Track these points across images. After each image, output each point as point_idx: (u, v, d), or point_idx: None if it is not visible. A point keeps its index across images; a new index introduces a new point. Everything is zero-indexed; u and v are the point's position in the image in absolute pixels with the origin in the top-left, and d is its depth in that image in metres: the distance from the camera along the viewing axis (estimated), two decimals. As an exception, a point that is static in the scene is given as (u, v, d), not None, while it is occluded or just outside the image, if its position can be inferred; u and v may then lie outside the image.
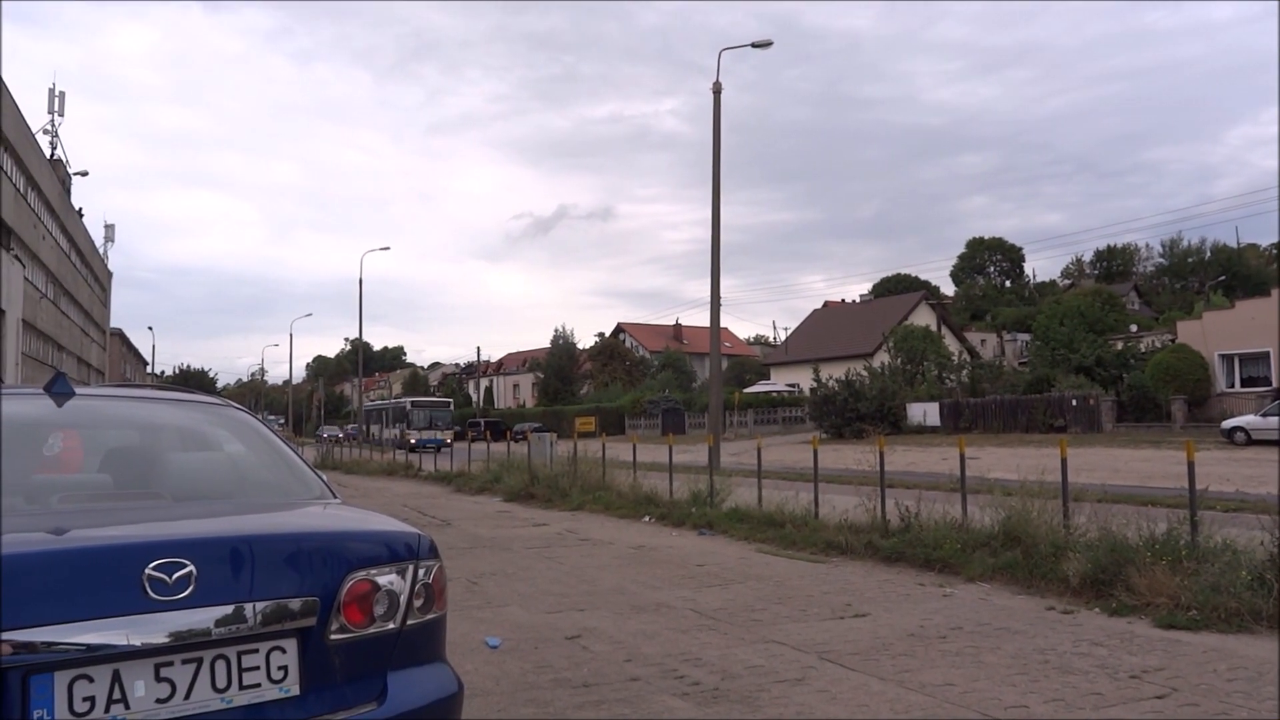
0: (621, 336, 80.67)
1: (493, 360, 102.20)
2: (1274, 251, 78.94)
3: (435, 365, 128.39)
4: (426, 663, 3.02)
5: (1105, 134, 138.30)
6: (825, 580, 8.85)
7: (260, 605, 2.58)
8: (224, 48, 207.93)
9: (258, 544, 2.72)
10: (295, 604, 2.65)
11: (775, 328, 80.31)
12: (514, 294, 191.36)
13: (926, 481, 16.02)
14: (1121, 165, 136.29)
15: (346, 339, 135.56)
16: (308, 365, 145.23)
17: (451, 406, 60.86)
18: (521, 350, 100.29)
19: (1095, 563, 7.66)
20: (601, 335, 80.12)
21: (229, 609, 2.52)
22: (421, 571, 3.00)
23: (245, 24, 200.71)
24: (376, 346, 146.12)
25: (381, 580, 2.87)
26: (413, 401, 57.55)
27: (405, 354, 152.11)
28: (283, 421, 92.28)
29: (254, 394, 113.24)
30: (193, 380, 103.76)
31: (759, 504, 12.94)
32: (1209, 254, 75.49)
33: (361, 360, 65.30)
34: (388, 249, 56.35)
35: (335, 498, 3.63)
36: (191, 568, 2.49)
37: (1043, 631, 6.61)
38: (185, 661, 2.47)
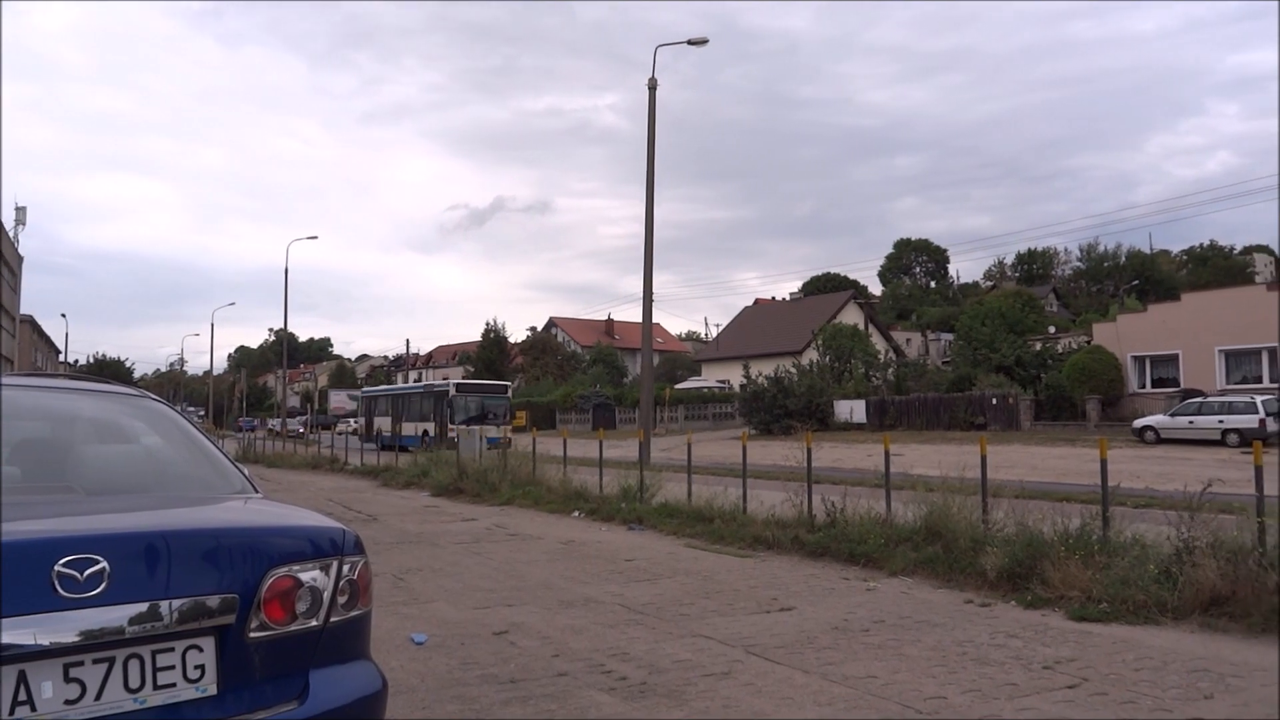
0: (554, 331, 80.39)
1: (422, 353, 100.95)
2: (1184, 258, 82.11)
3: (363, 357, 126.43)
4: (350, 660, 2.97)
5: (1032, 140, 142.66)
6: (752, 575, 8.95)
7: (177, 603, 2.51)
8: (151, 28, 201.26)
9: (174, 540, 2.64)
10: (213, 601, 2.59)
11: (707, 324, 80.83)
12: (447, 286, 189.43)
13: (852, 478, 16.30)
14: (1046, 171, 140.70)
15: (271, 329, 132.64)
16: (230, 356, 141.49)
17: (509, 392, 43.66)
18: (452, 343, 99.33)
19: (1012, 557, 7.88)
20: (534, 329, 79.75)
21: (143, 607, 2.45)
22: (346, 567, 2.95)
23: (174, 4, 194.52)
24: (303, 337, 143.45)
25: (304, 577, 2.82)
26: (458, 385, 41.07)
27: (332, 345, 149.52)
28: (203, 413, 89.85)
29: (173, 385, 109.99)
30: (108, 370, 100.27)
31: (688, 499, 13.03)
32: (1124, 259, 78.22)
33: (286, 351, 63.95)
34: (315, 238, 54.00)
35: (257, 492, 3.55)
36: (104, 564, 2.41)
37: (961, 624, 6.79)
38: (96, 661, 2.39)
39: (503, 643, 6.26)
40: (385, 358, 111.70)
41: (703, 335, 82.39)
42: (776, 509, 11.18)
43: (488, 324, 72.44)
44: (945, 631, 6.54)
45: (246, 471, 3.76)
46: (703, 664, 5.69)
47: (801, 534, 10.26)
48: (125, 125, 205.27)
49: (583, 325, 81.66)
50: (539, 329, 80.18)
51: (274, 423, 64.39)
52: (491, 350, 70.68)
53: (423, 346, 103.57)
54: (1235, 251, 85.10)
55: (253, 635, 2.67)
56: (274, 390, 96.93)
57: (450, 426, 35.79)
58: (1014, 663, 5.70)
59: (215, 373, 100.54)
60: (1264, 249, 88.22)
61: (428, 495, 18.54)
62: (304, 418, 66.26)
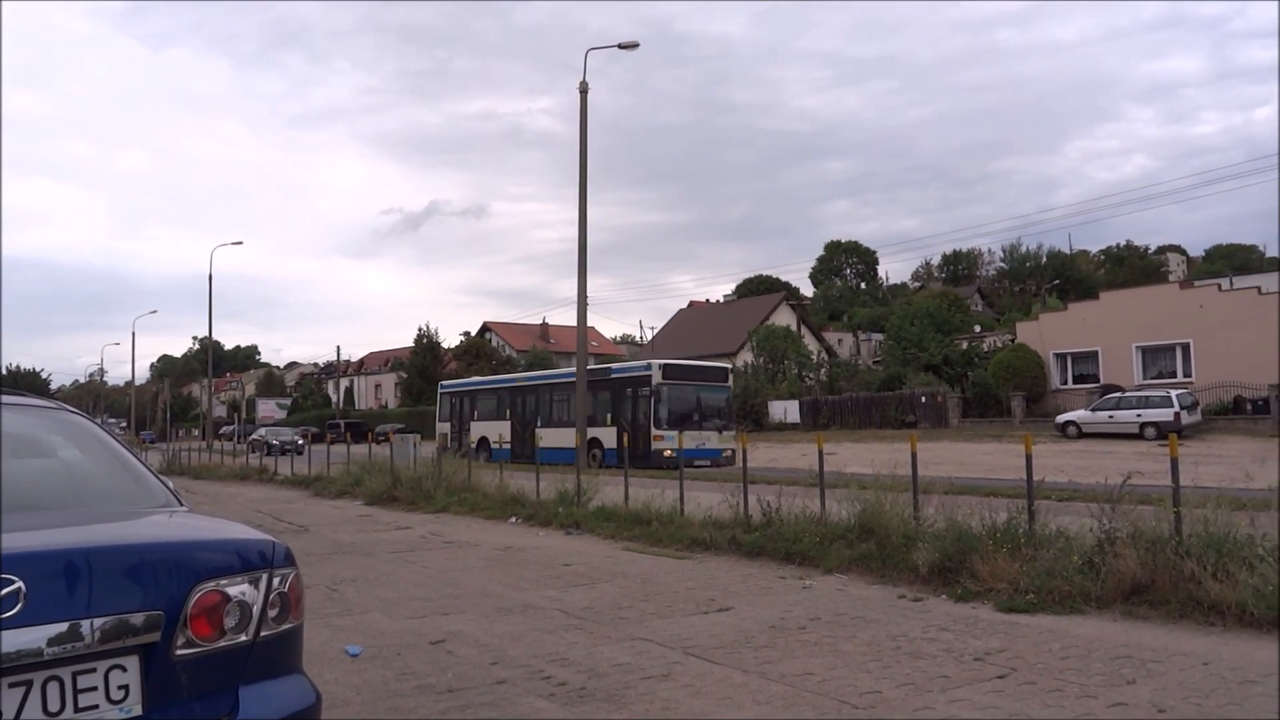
0: (488, 335, 79.78)
1: (354, 360, 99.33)
2: (1102, 258, 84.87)
3: (292, 365, 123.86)
4: (282, 675, 2.91)
5: (959, 144, 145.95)
6: (690, 576, 8.99)
7: (98, 622, 2.43)
8: (70, 28, 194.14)
9: (95, 556, 2.56)
10: (137, 619, 2.51)
11: (642, 327, 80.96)
12: (380, 292, 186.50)
13: (787, 477, 16.49)
14: (972, 174, 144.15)
15: (195, 338, 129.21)
16: (152, 365, 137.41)
17: (730, 380, 29.16)
18: (384, 349, 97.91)
19: (943, 552, 8.05)
20: (468, 334, 79.02)
21: (63, 627, 2.37)
22: (276, 580, 2.89)
23: (95, 4, 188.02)
24: (228, 345, 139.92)
25: (232, 591, 2.75)
26: (665, 366, 26.80)
27: (260, 353, 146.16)
28: (124, 425, 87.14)
29: (92, 396, 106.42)
30: (23, 381, 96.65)
31: (626, 503, 13.04)
32: (1045, 259, 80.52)
33: (211, 360, 62.37)
34: (240, 243, 52.28)
35: (182, 505, 3.46)
36: (20, 584, 2.32)
37: (895, 619, 6.91)
38: (13, 685, 2.30)
39: (440, 652, 6.19)
40: (315, 365, 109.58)
41: (638, 338, 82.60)
42: (714, 510, 11.25)
43: (421, 329, 71.54)
44: (880, 627, 6.65)
45: (171, 484, 3.66)
46: (642, 667, 5.69)
47: (738, 534, 10.34)
48: (42, 128, 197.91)
49: (517, 329, 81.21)
50: (473, 334, 79.49)
51: (211, 430, 61.68)
52: (425, 356, 69.84)
53: (354, 353, 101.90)
54: (1150, 251, 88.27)
55: (179, 653, 2.60)
56: (199, 400, 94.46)
57: (656, 433, 24.05)
58: (946, 655, 5.82)
59: (137, 383, 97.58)
60: (1177, 249, 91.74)
61: (361, 504, 18.24)
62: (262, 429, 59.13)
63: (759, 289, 77.52)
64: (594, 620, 7.09)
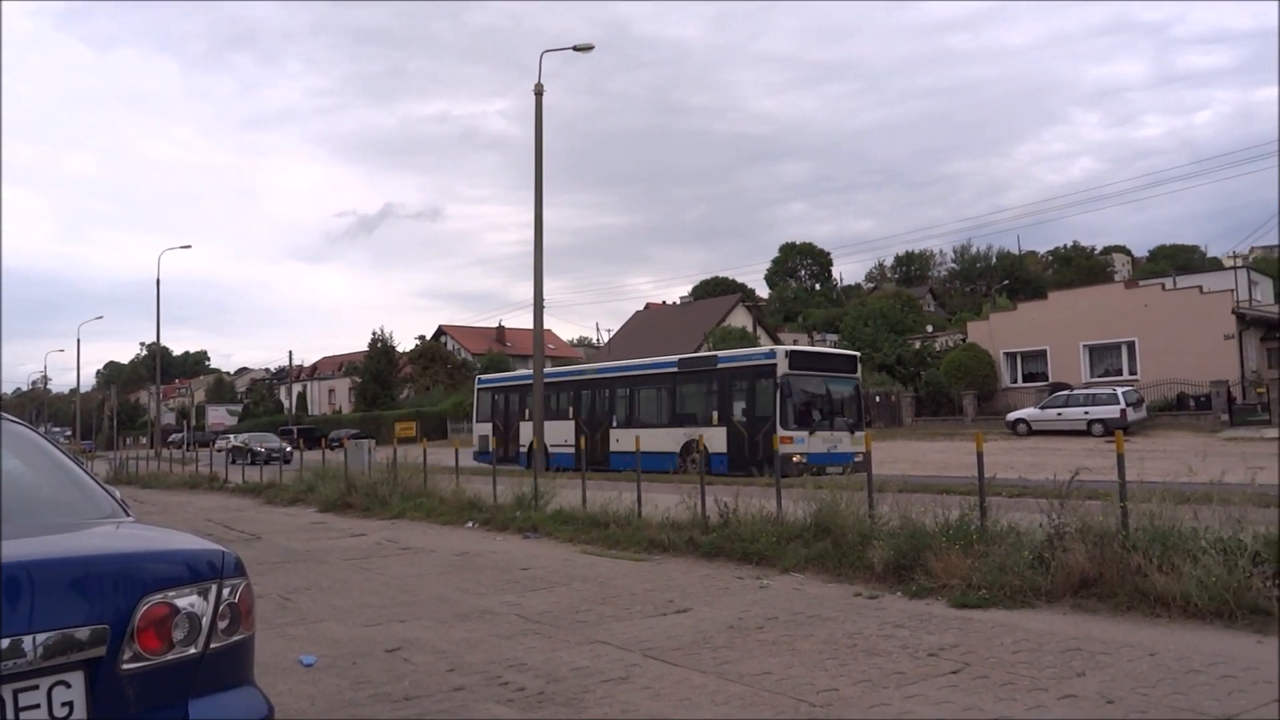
0: (443, 339, 79.18)
1: (306, 365, 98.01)
2: (1050, 259, 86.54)
3: (243, 370, 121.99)
4: (233, 687, 2.87)
5: (912, 147, 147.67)
6: (648, 578, 9.00)
7: (41, 637, 2.37)
8: (13, 27, 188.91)
9: (37, 570, 2.50)
10: (82, 633, 2.45)
11: (599, 330, 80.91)
12: (333, 296, 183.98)
13: (744, 478, 16.57)
14: (925, 176, 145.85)
15: (143, 344, 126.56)
16: (98, 373, 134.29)
17: (859, 370, 24.16)
18: (338, 354, 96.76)
19: (897, 550, 8.15)
20: (422, 338, 78.35)
21: (4, 643, 2.31)
22: (226, 591, 2.84)
23: (38, 4, 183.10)
24: (177, 351, 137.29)
25: (181, 603, 2.70)
26: (793, 353, 22.23)
27: (210, 359, 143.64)
28: (69, 434, 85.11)
29: (35, 404, 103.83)
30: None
31: (583, 505, 13.01)
32: (995, 260, 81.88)
33: (159, 366, 61.22)
34: (189, 247, 51.03)
35: (128, 516, 3.39)
36: (-43, 600, 2.26)
37: (851, 617, 6.97)
38: (-50, 704, 2.24)
39: (396, 660, 6.13)
40: (267, 370, 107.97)
41: (595, 341, 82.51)
42: (671, 512, 11.27)
43: (375, 333, 70.75)
44: (836, 625, 6.71)
45: (118, 494, 3.58)
46: (601, 670, 5.69)
47: (696, 535, 10.37)
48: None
49: (473, 333, 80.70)
50: (428, 338, 78.84)
51: (161, 439, 59.31)
52: (379, 360, 69.12)
53: (307, 358, 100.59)
54: (1096, 252, 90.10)
55: (126, 667, 2.55)
56: (147, 407, 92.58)
57: (784, 434, 19.17)
58: (901, 652, 5.89)
59: (83, 390, 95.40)
60: (1122, 249, 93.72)
61: (314, 511, 18.00)
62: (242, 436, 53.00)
63: (715, 291, 77.90)
64: (552, 624, 7.06)
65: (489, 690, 5.34)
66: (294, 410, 76.38)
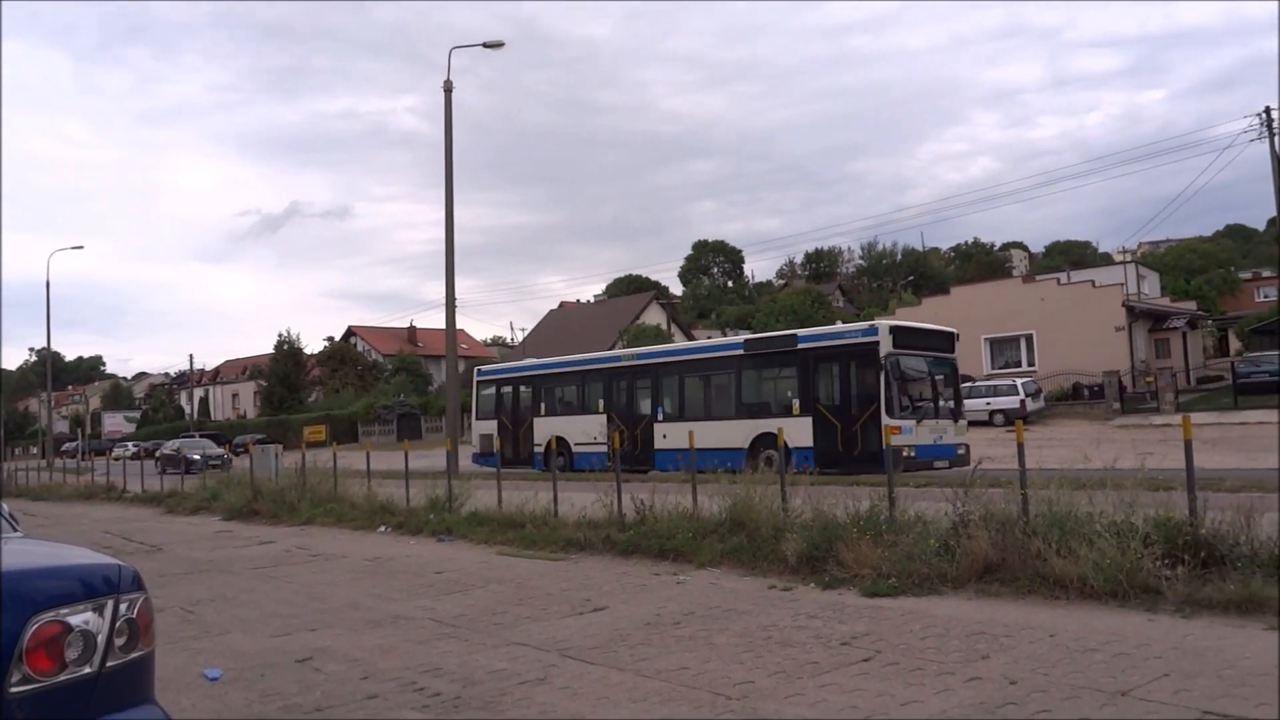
0: (353, 340, 77.53)
1: (209, 369, 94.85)
2: (952, 255, 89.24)
3: (141, 375, 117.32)
4: (132, 705, 2.75)
5: (819, 146, 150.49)
6: (565, 577, 8.97)
7: (-82, 662, 2.24)
8: None
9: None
10: (-36, 657, 2.32)
11: (513, 328, 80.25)
12: (237, 297, 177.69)
13: (659, 474, 16.67)
14: (832, 175, 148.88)
15: (32, 349, 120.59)
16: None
17: (956, 349, 20.04)
18: (242, 357, 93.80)
19: (810, 542, 8.30)
20: (331, 339, 76.58)
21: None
22: (123, 606, 2.73)
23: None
24: (70, 356, 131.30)
25: (74, 620, 2.58)
26: (896, 329, 18.22)
27: (105, 364, 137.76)
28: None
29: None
30: None
31: (499, 506, 12.91)
32: (900, 256, 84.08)
33: (50, 372, 58.46)
34: (81, 248, 48.46)
35: (16, 530, 3.23)
36: None
37: (766, 609, 7.07)
38: None
39: (306, 670, 5.98)
40: (167, 375, 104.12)
41: (509, 340, 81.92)
42: (588, 510, 11.27)
43: (281, 335, 68.83)
44: (751, 618, 6.80)
45: (5, 508, 3.41)
46: (518, 672, 5.65)
47: (613, 533, 10.38)
48: None
49: (384, 333, 79.21)
50: (337, 339, 77.10)
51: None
52: (285, 363, 67.26)
53: (209, 361, 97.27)
54: (995, 248, 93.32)
55: (14, 690, 2.43)
56: (38, 415, 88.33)
57: (890, 423, 16.58)
58: (815, 642, 6.00)
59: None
60: (1020, 245, 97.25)
61: (219, 520, 17.43)
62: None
63: (629, 288, 78.06)
64: (468, 628, 6.99)
65: (404, 697, 5.25)
66: (195, 416, 73.86)
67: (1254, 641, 5.39)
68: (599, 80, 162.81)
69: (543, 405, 24.46)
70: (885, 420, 16.72)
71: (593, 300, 77.34)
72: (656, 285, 77.20)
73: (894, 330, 17.92)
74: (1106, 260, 64.98)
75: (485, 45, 25.41)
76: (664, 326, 55.06)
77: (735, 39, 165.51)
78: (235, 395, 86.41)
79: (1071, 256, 79.86)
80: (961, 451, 17.69)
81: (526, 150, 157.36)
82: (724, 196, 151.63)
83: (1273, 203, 28.64)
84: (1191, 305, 46.38)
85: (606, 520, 10.87)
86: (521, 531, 11.52)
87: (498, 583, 8.88)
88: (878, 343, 17.52)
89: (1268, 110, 28.52)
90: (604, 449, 20.82)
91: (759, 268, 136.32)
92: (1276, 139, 28.41)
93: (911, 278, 78.33)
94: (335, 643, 6.70)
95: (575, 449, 22.63)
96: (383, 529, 13.71)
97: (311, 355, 71.55)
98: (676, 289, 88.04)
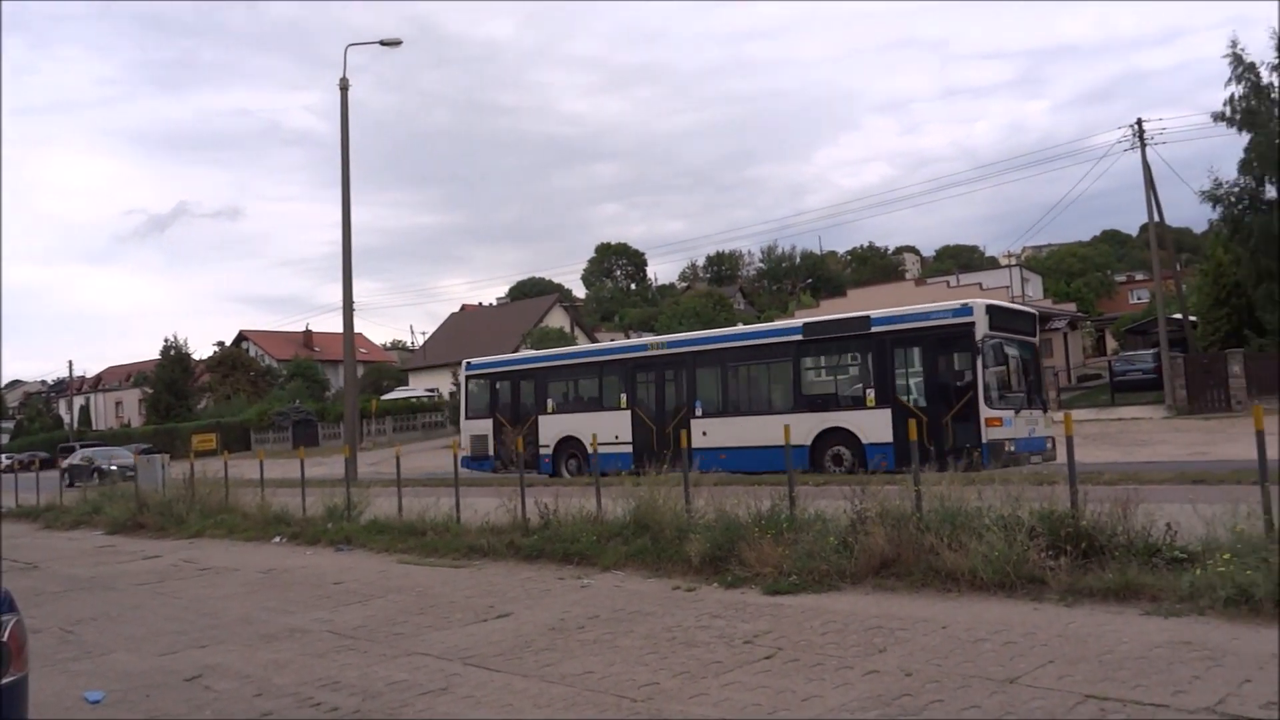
0: (245, 345, 75.00)
1: (90, 376, 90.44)
2: (849, 259, 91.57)
3: (15, 383, 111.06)
4: (1, 734, 2.59)
5: (720, 151, 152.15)
6: (468, 585, 8.86)
7: None
8: None
9: None
10: None
11: (414, 332, 78.76)
12: (121, 301, 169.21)
13: (562, 479, 16.61)
14: (732, 180, 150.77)
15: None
16: None
17: (1037, 329, 18.17)
18: (126, 363, 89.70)
19: (713, 542, 8.39)
20: (222, 344, 73.91)
21: None
22: (-10, 629, 2.57)
23: None
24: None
25: (-65, 646, 2.41)
26: (992, 310, 16.17)
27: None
28: None
29: None
30: None
31: (399, 514, 12.66)
32: (799, 260, 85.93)
33: (-87, 381, 54.80)
34: None
35: None
36: None
37: (670, 610, 7.11)
38: None
39: (196, 689, 5.74)
40: (44, 383, 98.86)
41: (409, 344, 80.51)
42: (491, 516, 11.15)
43: (168, 340, 66.07)
44: (656, 620, 6.82)
45: None
46: (419, 683, 5.54)
47: (516, 539, 10.30)
48: None
49: (278, 338, 76.85)
50: (228, 344, 74.46)
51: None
52: (173, 369, 64.60)
53: (90, 368, 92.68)
54: (890, 252, 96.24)
55: None
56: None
57: (990, 415, 15.37)
58: (718, 641, 6.05)
59: None
60: (912, 249, 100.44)
61: (101, 534, 16.62)
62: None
63: (532, 291, 77.69)
64: (367, 639, 6.82)
65: (300, 713, 5.09)
66: (75, 425, 70.38)
67: (1131, 626, 5.67)
68: (500, 81, 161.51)
69: (549, 402, 21.89)
70: (985, 411, 15.22)
71: (495, 303, 76.62)
72: (559, 288, 77.07)
73: (990, 310, 16.07)
74: (993, 264, 67.62)
75: (382, 43, 24.93)
76: (568, 330, 54.96)
77: (635, 42, 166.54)
78: (119, 403, 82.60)
79: (961, 260, 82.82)
80: (1050, 446, 16.10)
81: (427, 150, 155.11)
82: (627, 199, 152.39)
83: (1144, 210, 30.24)
84: (1071, 307, 48.64)
85: (511, 525, 10.77)
86: (423, 539, 11.32)
87: (398, 592, 8.71)
88: (973, 324, 15.67)
89: (1139, 122, 30.08)
90: (628, 449, 18.94)
91: (662, 270, 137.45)
92: (1147, 149, 30.02)
93: (810, 280, 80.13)
94: (227, 659, 6.46)
95: (588, 450, 18.97)
96: (278, 540, 13.29)
97: (201, 361, 68.93)
98: (580, 292, 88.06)
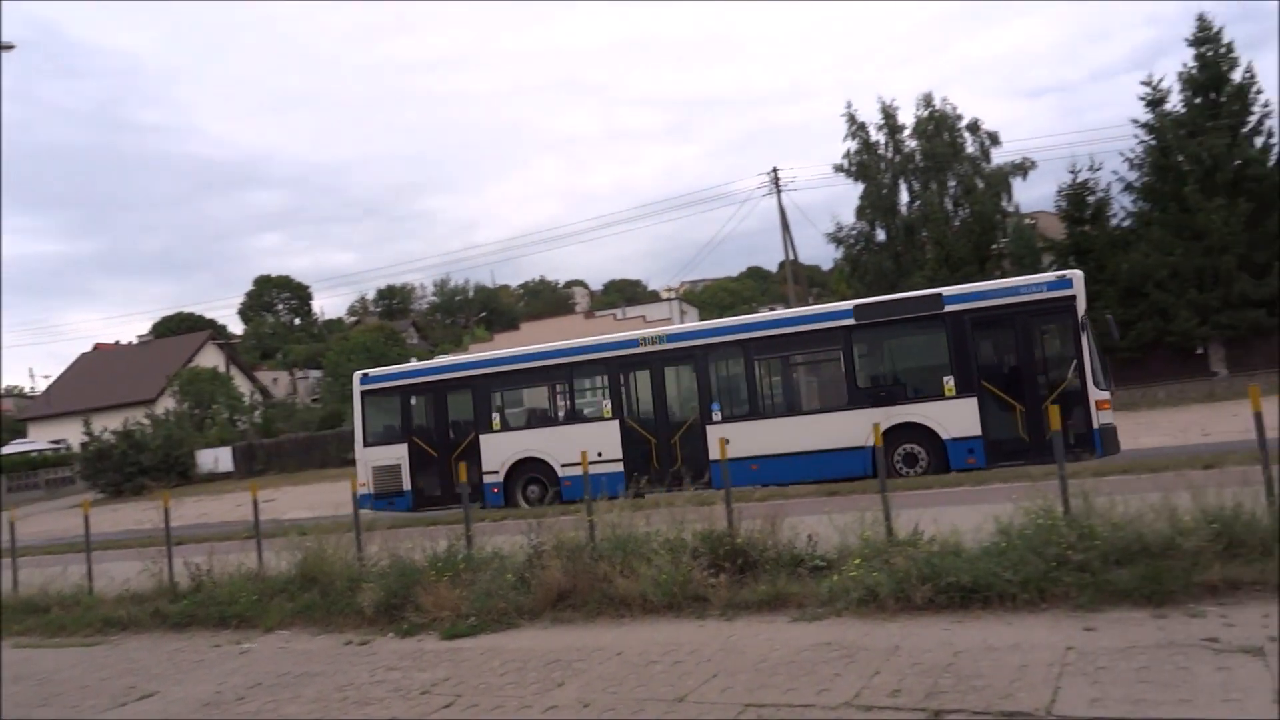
0: None
1: None
2: (521, 292, 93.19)
3: None
4: None
5: (389, 182, 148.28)
6: (104, 664, 7.82)
7: None
8: None
9: None
10: None
11: (33, 376, 68.90)
12: None
13: (220, 533, 15.25)
14: (403, 211, 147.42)
15: None
16: None
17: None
18: None
19: (387, 589, 8.06)
20: None
21: None
22: None
23: None
24: None
25: None
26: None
27: None
28: None
29: None
30: None
31: (14, 589, 10.94)
32: (472, 293, 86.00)
33: None
34: None
35: None
36: None
37: (342, 668, 6.72)
38: None
39: None
40: None
41: (28, 390, 70.43)
42: (131, 582, 9.96)
43: None
44: (326, 679, 6.42)
45: None
46: (39, 789, 4.78)
47: (163, 605, 9.28)
48: None
49: None
50: None
51: None
52: None
53: None
54: (560, 285, 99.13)
55: None
56: None
57: (1099, 397, 13.81)
58: (393, 696, 5.80)
59: None
60: (581, 283, 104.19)
61: None
62: None
63: (180, 328, 70.94)
64: (-30, 744, 5.79)
65: None
66: None
67: (782, 633, 6.18)
68: (140, 97, 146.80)
69: (495, 417, 17.72)
70: (1094, 394, 13.65)
71: (136, 341, 69.12)
72: (212, 324, 71.03)
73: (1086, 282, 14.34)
74: (654, 297, 71.90)
75: (-12, 47, 21.77)
76: (222, 369, 50.79)
77: (295, 67, 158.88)
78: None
79: (626, 294, 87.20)
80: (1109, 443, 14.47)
81: (51, 169, 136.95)
82: (289, 229, 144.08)
83: (781, 248, 33.79)
84: (724, 337, 52.69)
85: (156, 591, 9.70)
86: (46, 616, 9.87)
87: (13, 683, 7.49)
88: (1074, 297, 14.03)
89: (775, 170, 33.61)
90: (617, 467, 15.87)
91: (330, 304, 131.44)
92: (782, 195, 33.55)
93: (484, 314, 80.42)
94: None
95: (563, 471, 16.40)
96: None
97: None
98: (237, 328, 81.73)
